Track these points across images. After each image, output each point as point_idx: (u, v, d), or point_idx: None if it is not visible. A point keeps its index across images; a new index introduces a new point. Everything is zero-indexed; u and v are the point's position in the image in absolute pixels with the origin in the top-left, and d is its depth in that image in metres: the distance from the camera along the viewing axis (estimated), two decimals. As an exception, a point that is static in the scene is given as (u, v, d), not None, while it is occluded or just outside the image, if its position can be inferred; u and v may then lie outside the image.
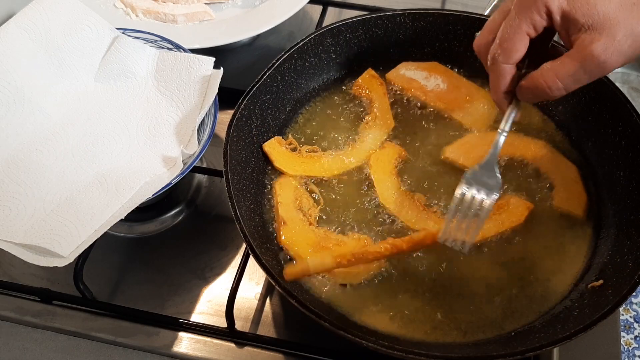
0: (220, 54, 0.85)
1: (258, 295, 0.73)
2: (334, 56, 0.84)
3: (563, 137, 0.78)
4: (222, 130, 0.74)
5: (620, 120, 0.73)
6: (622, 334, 1.86)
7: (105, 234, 0.66)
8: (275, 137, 0.77)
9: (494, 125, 0.79)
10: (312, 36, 0.81)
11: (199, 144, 0.74)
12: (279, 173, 0.75)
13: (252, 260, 0.64)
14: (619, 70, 1.92)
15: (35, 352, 0.69)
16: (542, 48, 0.60)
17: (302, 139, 0.79)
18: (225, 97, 0.80)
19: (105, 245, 0.76)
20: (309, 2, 0.97)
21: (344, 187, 0.75)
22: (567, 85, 0.55)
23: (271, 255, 0.66)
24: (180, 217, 0.81)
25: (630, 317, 1.90)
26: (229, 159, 0.69)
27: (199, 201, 0.83)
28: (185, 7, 0.98)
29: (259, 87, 0.76)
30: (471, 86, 0.83)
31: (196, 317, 0.71)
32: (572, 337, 0.56)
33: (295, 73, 0.81)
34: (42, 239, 0.65)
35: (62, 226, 0.67)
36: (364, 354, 0.61)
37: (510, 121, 0.62)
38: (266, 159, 0.76)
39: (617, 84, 0.74)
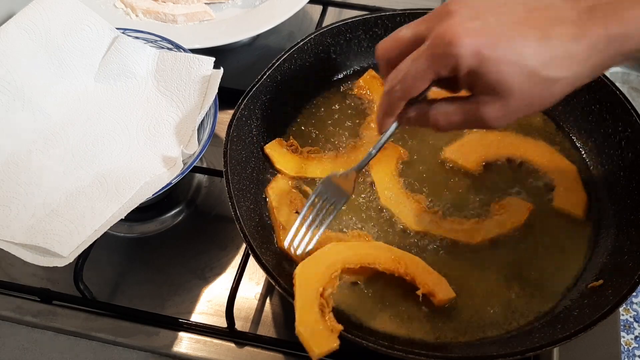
0: (220, 54, 0.85)
1: (258, 295, 0.73)
2: (334, 56, 0.84)
3: (563, 137, 0.78)
4: (222, 130, 0.74)
5: (620, 120, 0.73)
6: (622, 334, 1.85)
7: (105, 234, 0.66)
8: (277, 138, 0.77)
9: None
10: (312, 36, 0.81)
11: (199, 144, 0.74)
12: (274, 176, 0.75)
13: (252, 260, 0.64)
14: (619, 70, 1.92)
15: (35, 352, 0.69)
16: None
17: (303, 140, 0.79)
18: (225, 97, 0.80)
19: (105, 245, 0.76)
20: (309, 2, 0.97)
21: (344, 187, 0.75)
22: (454, 128, 0.56)
23: (271, 256, 0.66)
24: (180, 217, 0.81)
25: (630, 317, 1.89)
26: (229, 159, 0.69)
27: (199, 201, 0.83)
28: (185, 7, 0.98)
29: (259, 87, 0.76)
30: (471, 86, 0.83)
31: (196, 317, 0.71)
32: (572, 337, 0.56)
33: (295, 73, 0.81)
34: (42, 239, 0.65)
35: (62, 226, 0.67)
36: (364, 354, 0.61)
37: (384, 142, 0.61)
38: (266, 159, 0.76)
39: (617, 84, 0.74)
